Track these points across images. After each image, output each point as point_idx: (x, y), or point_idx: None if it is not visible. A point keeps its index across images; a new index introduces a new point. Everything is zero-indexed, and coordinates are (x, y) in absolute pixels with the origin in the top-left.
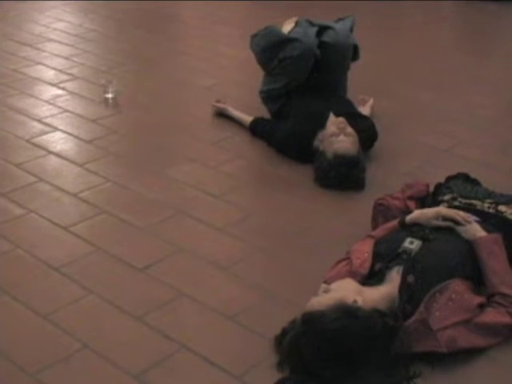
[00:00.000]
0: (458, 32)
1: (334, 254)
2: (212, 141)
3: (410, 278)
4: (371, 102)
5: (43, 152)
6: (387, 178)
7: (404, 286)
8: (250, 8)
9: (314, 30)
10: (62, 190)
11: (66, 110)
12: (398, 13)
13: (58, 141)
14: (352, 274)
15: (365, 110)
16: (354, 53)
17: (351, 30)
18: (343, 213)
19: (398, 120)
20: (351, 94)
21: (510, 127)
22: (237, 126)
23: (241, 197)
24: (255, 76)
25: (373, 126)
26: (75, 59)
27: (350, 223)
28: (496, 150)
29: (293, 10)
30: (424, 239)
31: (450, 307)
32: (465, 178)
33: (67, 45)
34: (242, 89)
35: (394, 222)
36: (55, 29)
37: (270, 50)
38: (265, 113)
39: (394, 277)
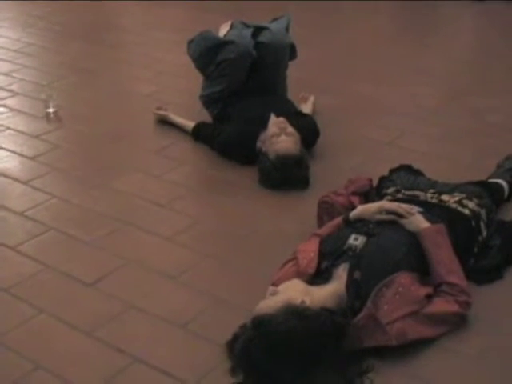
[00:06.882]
0: (395, 24)
1: (282, 255)
2: (155, 149)
3: (357, 275)
4: (312, 98)
5: None
6: (332, 175)
7: (351, 282)
8: (187, 12)
9: (250, 31)
10: (7, 209)
11: (8, 128)
12: (334, 8)
13: (1, 159)
14: (299, 275)
15: (306, 108)
16: (292, 52)
17: (287, 29)
18: (290, 212)
19: (340, 115)
20: (292, 93)
21: (451, 116)
22: (179, 133)
23: (187, 204)
24: (195, 81)
25: (314, 123)
26: (15, 75)
27: (297, 222)
28: (439, 139)
29: (230, 13)
30: (368, 234)
31: (397, 300)
32: (407, 169)
33: (6, 60)
34: (183, 94)
35: (339, 219)
36: None
37: (207, 55)
38: (207, 117)
39: (341, 274)
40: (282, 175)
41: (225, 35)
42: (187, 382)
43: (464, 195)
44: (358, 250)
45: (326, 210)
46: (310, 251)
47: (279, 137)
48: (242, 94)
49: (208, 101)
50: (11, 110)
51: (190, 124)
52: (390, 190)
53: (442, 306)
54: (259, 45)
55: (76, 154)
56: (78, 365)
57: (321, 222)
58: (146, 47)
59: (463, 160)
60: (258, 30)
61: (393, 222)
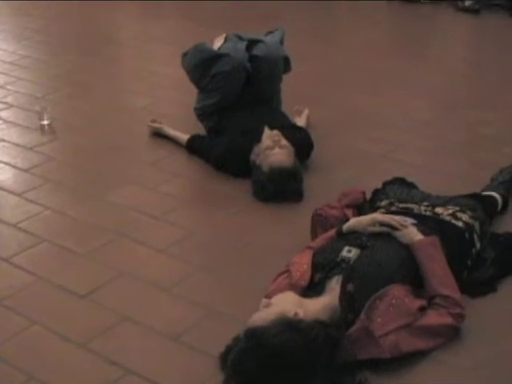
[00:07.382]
0: (391, 35)
1: (276, 267)
2: (149, 161)
3: (350, 287)
4: (306, 111)
5: None
6: (325, 188)
7: (344, 294)
8: (181, 25)
9: (244, 44)
10: (0, 220)
11: (2, 140)
12: (330, 19)
13: None
14: (292, 287)
15: (300, 121)
16: (286, 65)
17: (281, 42)
18: (283, 225)
19: (335, 128)
20: (287, 105)
21: (445, 129)
22: (174, 145)
23: (181, 216)
24: (190, 94)
25: (308, 136)
26: (9, 87)
27: (290, 235)
28: (432, 153)
29: (224, 25)
30: (362, 247)
31: (390, 313)
32: (401, 182)
33: (1, 73)
34: (178, 107)
35: (332, 232)
36: None
37: (202, 67)
38: (201, 130)
39: (334, 286)
40: (276, 188)
41: (219, 48)
42: None
43: (458, 208)
44: (351, 262)
45: (319, 223)
46: (302, 263)
47: (273, 149)
48: (236, 106)
49: (202, 113)
50: (5, 122)
51: (184, 137)
52: (384, 203)
53: (435, 318)
54: (253, 58)
55: (70, 166)
56: (70, 377)
57: (314, 235)
58: (140, 60)
59: (457, 173)
60: (252, 43)
61: (386, 235)
